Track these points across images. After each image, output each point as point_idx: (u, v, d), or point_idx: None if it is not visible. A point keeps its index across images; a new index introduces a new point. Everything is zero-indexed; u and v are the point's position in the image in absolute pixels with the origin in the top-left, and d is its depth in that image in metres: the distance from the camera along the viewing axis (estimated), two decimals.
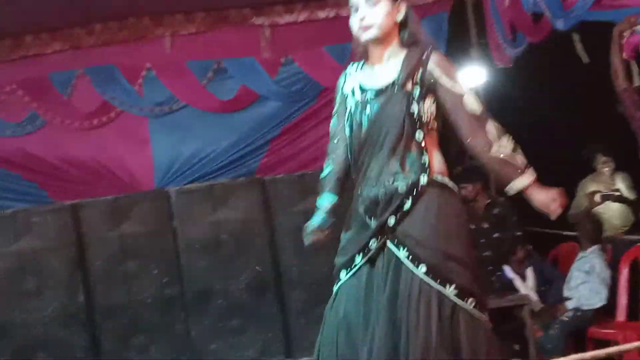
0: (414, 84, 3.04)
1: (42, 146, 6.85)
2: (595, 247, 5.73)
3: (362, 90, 3.12)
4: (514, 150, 3.03)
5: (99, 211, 5.73)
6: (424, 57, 3.06)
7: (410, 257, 2.94)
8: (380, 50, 3.12)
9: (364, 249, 3.02)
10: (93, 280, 5.64)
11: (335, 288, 3.12)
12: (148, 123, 7.04)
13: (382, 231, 2.99)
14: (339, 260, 3.12)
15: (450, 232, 2.99)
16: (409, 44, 3.11)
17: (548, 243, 6.64)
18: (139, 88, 6.99)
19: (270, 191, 5.95)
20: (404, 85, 3.04)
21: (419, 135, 3.03)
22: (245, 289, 5.77)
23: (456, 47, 7.22)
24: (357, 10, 3.10)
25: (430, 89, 3.04)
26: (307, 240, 3.19)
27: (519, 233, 6.14)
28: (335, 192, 3.23)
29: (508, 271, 6.02)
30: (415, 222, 2.97)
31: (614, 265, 5.70)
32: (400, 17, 3.11)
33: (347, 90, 3.19)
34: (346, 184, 3.26)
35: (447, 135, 3.15)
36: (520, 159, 3.04)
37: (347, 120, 3.15)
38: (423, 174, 3.01)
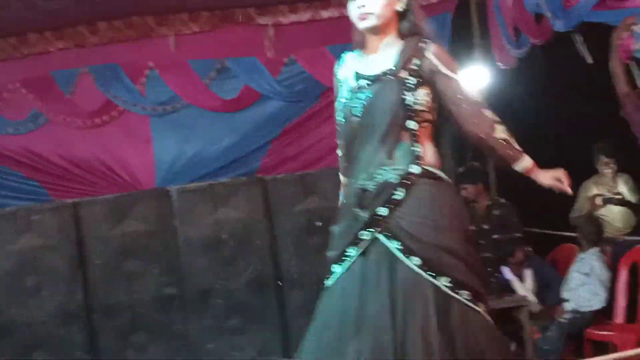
0: (409, 73, 3.03)
1: (44, 144, 6.88)
2: (594, 249, 5.73)
3: (357, 78, 3.10)
4: (511, 136, 3.09)
5: (99, 210, 5.73)
6: (422, 47, 3.04)
7: (403, 249, 2.92)
8: (378, 40, 3.10)
9: (355, 241, 3.00)
10: (93, 279, 5.63)
11: (328, 282, 3.10)
12: (150, 122, 7.05)
13: (374, 223, 2.97)
14: (330, 254, 3.10)
15: (443, 223, 2.97)
16: (408, 34, 3.10)
17: (547, 244, 6.63)
18: (141, 87, 7.01)
19: (271, 191, 5.95)
20: (398, 73, 3.03)
21: (412, 124, 3.01)
22: (245, 289, 5.78)
23: (459, 48, 7.20)
24: None
25: (427, 79, 3.03)
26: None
27: (519, 234, 6.15)
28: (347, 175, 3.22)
29: (506, 272, 6.02)
30: (408, 213, 2.95)
31: (613, 267, 5.69)
32: (399, 6, 3.10)
33: (341, 77, 3.18)
34: None
35: (444, 131, 3.15)
36: (516, 144, 3.08)
37: (341, 107, 3.14)
38: (414, 164, 2.99)
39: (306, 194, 5.88)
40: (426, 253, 2.92)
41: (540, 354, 5.30)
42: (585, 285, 5.61)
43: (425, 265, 2.91)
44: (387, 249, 2.95)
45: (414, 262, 2.91)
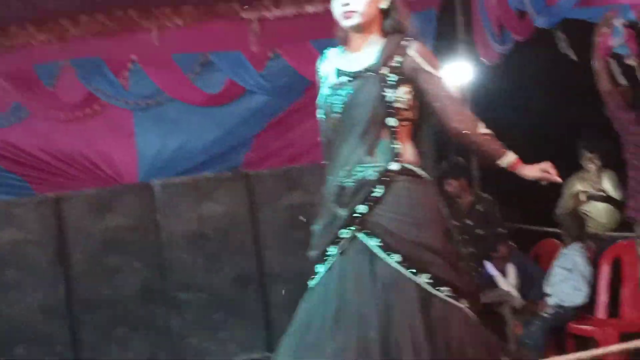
0: (390, 70, 3.02)
1: (25, 138, 6.80)
2: (577, 245, 5.75)
3: (337, 74, 3.10)
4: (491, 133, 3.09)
5: (81, 204, 5.71)
6: (404, 44, 3.04)
7: (383, 246, 2.93)
8: (361, 38, 3.10)
9: (336, 240, 3.00)
10: (75, 273, 5.62)
11: (311, 283, 3.10)
12: (133, 116, 7.00)
13: (353, 221, 2.97)
14: (312, 254, 3.10)
15: (423, 220, 2.98)
16: (391, 32, 3.09)
17: (530, 240, 6.66)
18: (124, 81, 6.95)
19: (255, 185, 5.95)
20: (379, 70, 3.02)
21: (391, 121, 3.01)
22: (228, 283, 5.77)
23: (444, 43, 7.22)
24: None
25: (408, 77, 3.02)
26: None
27: (502, 230, 6.17)
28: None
29: (489, 267, 6.04)
30: (387, 210, 2.96)
31: (595, 263, 5.72)
32: (383, 4, 3.09)
33: (323, 73, 3.18)
34: None
35: (424, 130, 3.15)
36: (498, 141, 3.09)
37: (322, 104, 3.13)
38: (394, 161, 2.99)
39: (290, 188, 5.89)
40: (406, 250, 2.92)
41: (522, 348, 5.31)
42: (567, 280, 5.63)
43: (406, 262, 2.91)
44: (366, 246, 2.96)
45: (394, 259, 2.92)
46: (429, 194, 3.07)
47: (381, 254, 2.93)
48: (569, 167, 6.55)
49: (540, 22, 5.24)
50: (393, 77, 3.01)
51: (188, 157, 6.95)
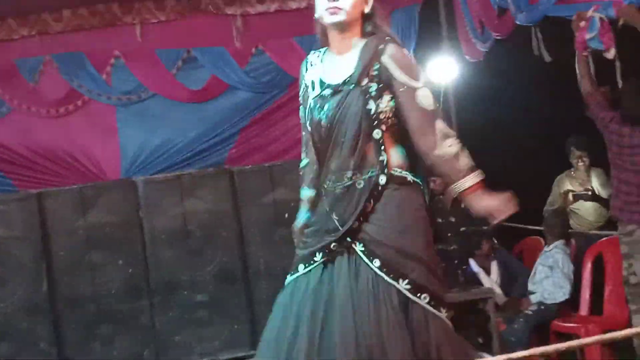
0: (370, 80, 3.00)
1: (7, 134, 6.74)
2: (559, 242, 5.78)
3: (321, 85, 3.09)
4: (459, 152, 2.97)
5: (64, 200, 5.68)
6: (379, 49, 3.01)
7: (366, 251, 2.94)
8: (341, 39, 3.07)
9: (324, 248, 2.99)
10: (58, 270, 5.59)
11: (289, 278, 3.07)
12: (116, 112, 6.97)
13: (344, 235, 2.97)
14: (299, 252, 3.09)
15: (406, 227, 2.97)
16: (369, 34, 3.08)
17: (513, 237, 6.68)
18: (107, 76, 6.92)
19: (238, 182, 5.94)
20: (359, 81, 3.00)
21: (377, 133, 2.99)
22: (212, 280, 5.76)
23: (427, 40, 7.24)
24: None
25: (386, 83, 3.00)
26: (298, 240, 3.16)
27: (485, 227, 6.18)
28: (313, 186, 3.18)
29: (473, 265, 6.06)
30: (374, 218, 2.96)
31: (579, 260, 5.75)
32: (367, 9, 3.08)
33: (307, 81, 3.16)
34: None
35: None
36: (464, 161, 2.97)
37: (307, 115, 3.12)
38: (382, 173, 2.98)
39: (274, 185, 5.88)
40: (387, 256, 2.92)
41: (506, 345, 5.34)
42: (549, 278, 5.67)
43: (385, 267, 2.91)
44: (353, 250, 2.96)
45: (375, 265, 2.92)
46: (415, 200, 3.04)
47: (365, 258, 2.94)
48: (554, 162, 6.58)
49: (521, 18, 5.24)
50: (374, 87, 2.99)
51: (171, 153, 6.94)
